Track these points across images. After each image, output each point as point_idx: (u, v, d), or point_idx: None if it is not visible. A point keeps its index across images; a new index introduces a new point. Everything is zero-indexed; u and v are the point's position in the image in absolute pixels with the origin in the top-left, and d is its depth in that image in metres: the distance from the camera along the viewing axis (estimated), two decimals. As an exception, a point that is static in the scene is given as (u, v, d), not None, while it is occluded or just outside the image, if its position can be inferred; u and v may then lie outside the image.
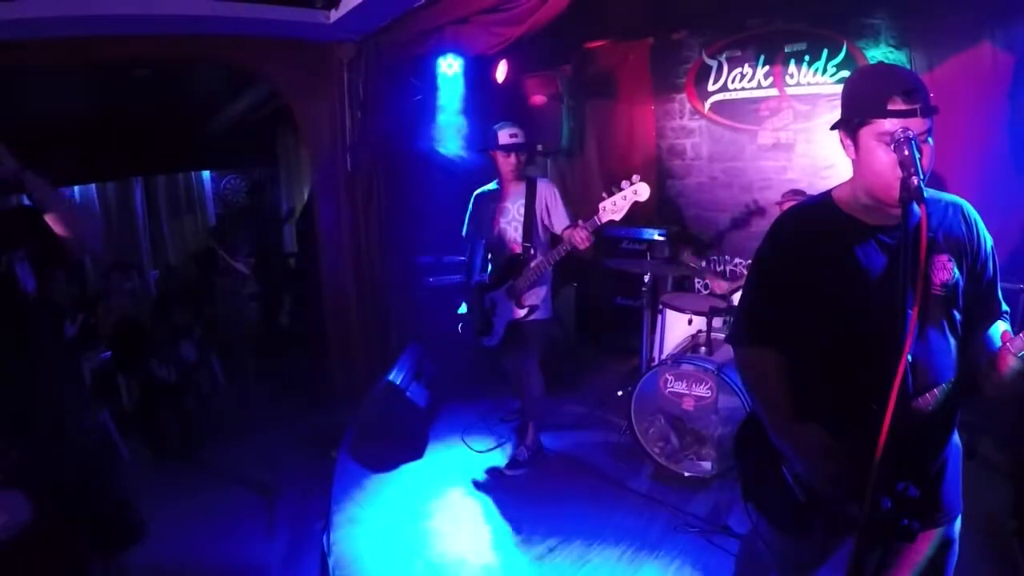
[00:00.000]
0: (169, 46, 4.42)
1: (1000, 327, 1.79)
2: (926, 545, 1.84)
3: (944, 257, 1.74)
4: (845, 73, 4.92)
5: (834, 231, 1.77)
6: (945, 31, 4.47)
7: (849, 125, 1.71)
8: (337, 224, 5.20)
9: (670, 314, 4.55)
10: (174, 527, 3.44)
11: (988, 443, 4.16)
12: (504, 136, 3.97)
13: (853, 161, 1.74)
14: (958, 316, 1.79)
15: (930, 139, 1.64)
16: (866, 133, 1.65)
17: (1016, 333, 1.53)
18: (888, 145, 1.58)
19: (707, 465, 3.88)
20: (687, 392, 3.92)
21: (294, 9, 4.40)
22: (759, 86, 5.44)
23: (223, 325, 6.32)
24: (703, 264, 4.61)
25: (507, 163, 3.99)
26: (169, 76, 5.85)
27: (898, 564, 1.89)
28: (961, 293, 1.77)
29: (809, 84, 5.14)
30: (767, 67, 5.36)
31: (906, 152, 1.52)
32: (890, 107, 1.60)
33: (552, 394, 4.47)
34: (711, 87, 5.69)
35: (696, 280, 4.82)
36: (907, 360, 1.61)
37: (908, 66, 4.72)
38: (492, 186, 4.16)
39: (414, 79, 5.27)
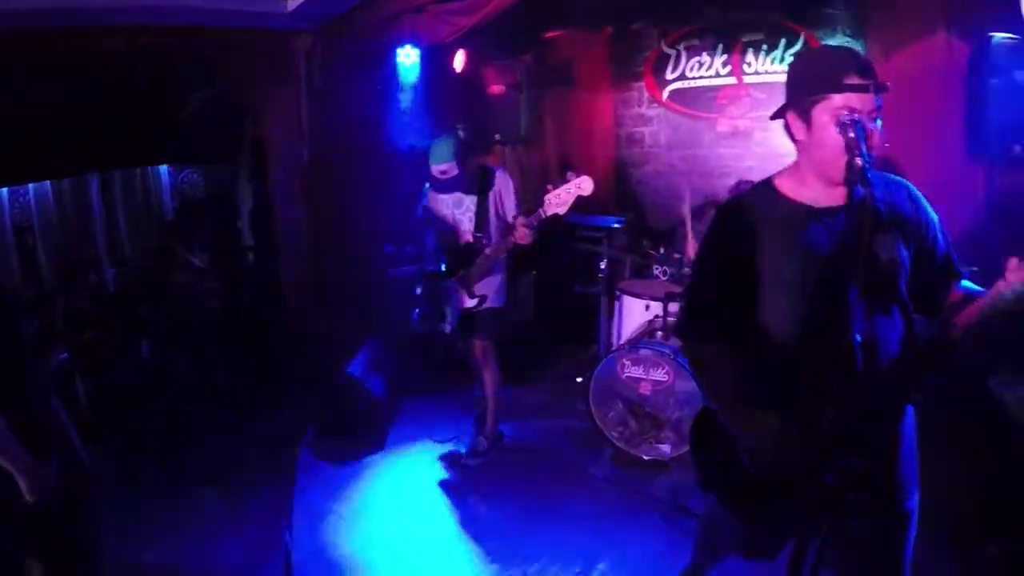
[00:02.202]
0: (124, 37, 4.35)
1: (968, 285, 1.84)
2: (883, 520, 1.88)
3: (890, 236, 1.75)
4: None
5: (777, 216, 1.78)
6: (901, 21, 4.53)
7: (802, 103, 1.71)
8: (296, 216, 5.17)
9: (628, 300, 4.58)
10: (139, 530, 3.41)
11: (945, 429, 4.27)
12: (435, 171, 3.90)
13: (801, 143, 1.76)
14: (904, 293, 1.80)
15: (878, 120, 1.66)
16: (820, 109, 1.66)
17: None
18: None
19: (666, 448, 3.91)
20: (644, 376, 3.96)
21: None
22: (717, 75, 5.48)
23: (183, 322, 6.23)
24: (661, 251, 4.62)
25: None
26: (124, 68, 5.75)
27: (855, 538, 1.91)
28: (908, 271, 1.79)
29: (767, 73, 5.20)
30: (725, 56, 5.41)
31: (851, 134, 1.53)
32: (846, 81, 1.62)
33: (511, 382, 4.47)
34: (669, 76, 5.72)
35: (654, 267, 4.84)
36: (855, 339, 1.64)
37: (864, 55, 4.82)
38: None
39: (372, 69, 5.23)
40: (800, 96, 1.71)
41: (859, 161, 1.50)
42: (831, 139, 1.62)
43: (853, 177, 1.51)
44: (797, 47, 5.08)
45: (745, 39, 5.31)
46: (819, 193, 1.75)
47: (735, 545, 2.25)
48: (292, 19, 4.61)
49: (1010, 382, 3.07)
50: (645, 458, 3.98)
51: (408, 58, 5.17)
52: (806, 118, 1.70)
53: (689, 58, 5.61)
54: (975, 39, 3.95)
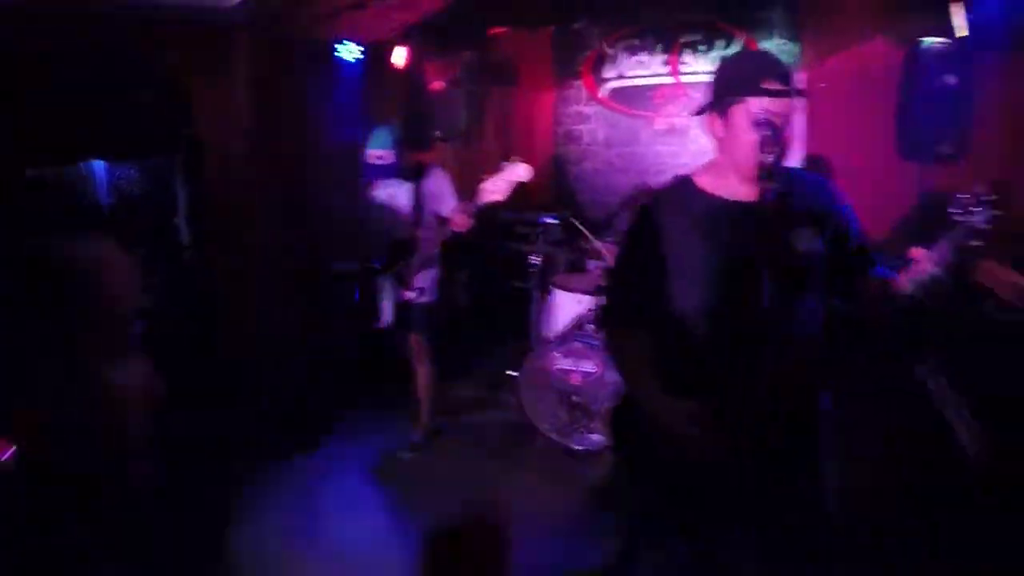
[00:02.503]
0: (60, 28, 4.26)
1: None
2: (795, 498, 1.94)
3: (805, 228, 1.84)
4: (742, 64, 5.09)
5: (696, 210, 1.85)
6: (836, 26, 4.70)
7: (722, 104, 1.79)
8: (233, 212, 5.10)
9: (560, 295, 4.62)
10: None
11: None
12: (371, 156, 3.93)
13: (720, 140, 1.84)
14: (821, 282, 1.89)
15: (794, 123, 1.75)
16: (738, 111, 1.74)
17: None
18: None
19: (597, 438, 3.97)
20: (574, 368, 4.03)
21: None
22: (655, 74, 5.60)
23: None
24: (595, 245, 4.67)
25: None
26: (59, 60, 5.63)
27: (768, 516, 1.98)
28: (823, 261, 1.87)
29: (704, 73, 5.31)
30: (664, 56, 5.53)
31: (766, 133, 1.63)
32: (764, 86, 1.70)
33: (446, 377, 4.49)
34: (608, 74, 5.81)
35: (589, 262, 4.91)
36: (772, 326, 1.77)
37: (800, 58, 4.98)
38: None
39: (312, 65, 5.20)
40: (721, 97, 1.80)
41: (770, 159, 1.59)
42: (747, 138, 1.71)
43: (763, 174, 1.60)
44: (734, 48, 5.20)
45: (683, 40, 5.44)
46: (736, 188, 1.82)
47: (662, 530, 2.30)
48: (231, 14, 4.57)
49: (932, 370, 3.19)
50: (577, 448, 4.04)
51: (350, 54, 5.15)
52: (725, 118, 1.79)
53: (628, 57, 5.71)
54: (908, 44, 4.05)
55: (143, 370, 2.02)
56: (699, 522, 2.05)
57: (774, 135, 1.63)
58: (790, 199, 1.83)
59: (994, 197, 1.58)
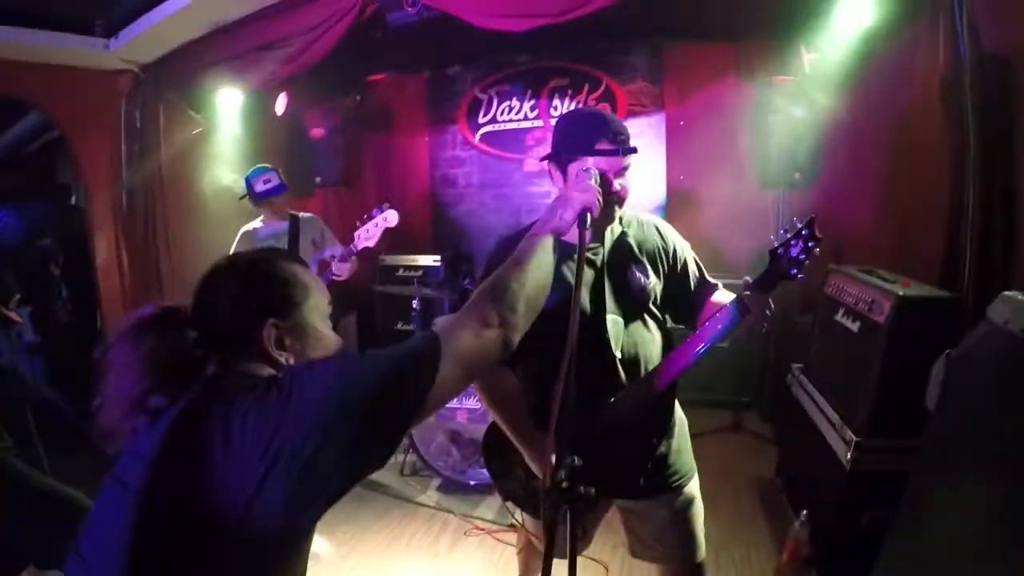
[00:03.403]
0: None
1: (722, 292, 2.12)
2: (665, 505, 2.14)
3: (642, 266, 2.05)
4: (605, 105, 5.47)
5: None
6: (694, 67, 5.08)
7: (559, 160, 1.94)
8: (116, 262, 5.03)
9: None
10: None
11: (753, 417, 4.90)
12: (259, 184, 4.06)
13: (560, 189, 1.95)
14: (658, 313, 2.10)
15: (627, 174, 1.91)
16: (574, 167, 1.88)
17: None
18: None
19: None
20: (459, 406, 4.14)
21: (72, 35, 4.28)
22: (526, 117, 5.89)
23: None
24: (469, 285, 4.87)
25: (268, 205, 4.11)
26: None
27: (643, 521, 2.20)
28: (659, 294, 2.08)
29: (572, 116, 5.60)
30: (533, 100, 5.83)
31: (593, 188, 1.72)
32: (597, 147, 1.85)
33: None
34: (481, 119, 6.07)
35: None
36: (616, 355, 1.95)
37: (660, 97, 5.35)
38: (257, 223, 4.21)
39: (194, 111, 5.18)
40: (559, 153, 1.94)
41: (588, 214, 1.67)
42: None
43: (582, 223, 1.65)
44: (599, 91, 5.56)
45: (552, 84, 5.74)
46: (574, 232, 1.89)
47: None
48: (113, 60, 4.55)
49: (799, 376, 3.56)
50: (471, 483, 4.16)
51: (231, 100, 5.11)
52: (563, 171, 1.94)
53: (500, 102, 5.98)
54: (759, 82, 4.44)
55: None
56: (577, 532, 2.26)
57: (596, 191, 1.71)
58: (630, 239, 2.05)
59: (808, 231, 1.78)
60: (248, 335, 1.30)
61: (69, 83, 4.66)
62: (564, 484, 1.53)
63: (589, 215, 1.67)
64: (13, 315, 6.12)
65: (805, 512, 2.98)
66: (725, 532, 3.50)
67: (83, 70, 4.67)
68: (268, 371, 1.29)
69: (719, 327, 1.87)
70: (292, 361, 1.33)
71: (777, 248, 1.81)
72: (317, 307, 1.41)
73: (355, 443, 1.13)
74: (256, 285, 1.36)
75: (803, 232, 1.79)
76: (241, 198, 4.25)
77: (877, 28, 3.52)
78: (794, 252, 1.79)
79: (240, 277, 1.36)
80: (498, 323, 1.34)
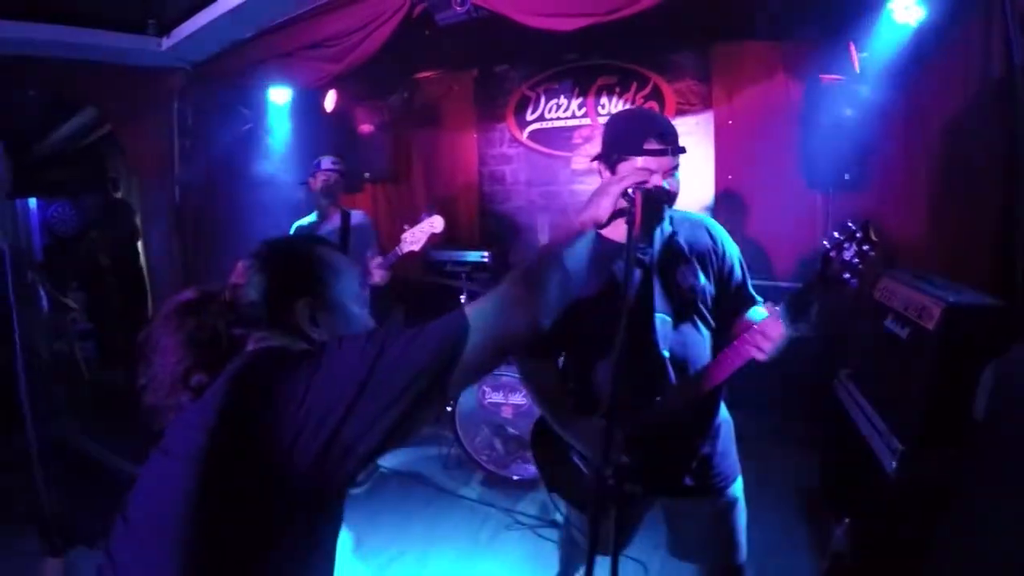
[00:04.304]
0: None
1: (759, 310, 2.13)
2: (709, 505, 2.16)
3: (692, 266, 2.07)
4: (653, 103, 5.45)
5: (591, 249, 1.89)
6: (742, 66, 4.99)
7: (609, 159, 1.97)
8: (168, 253, 5.17)
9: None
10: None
11: (797, 422, 4.72)
12: (327, 162, 4.22)
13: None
14: (708, 313, 2.11)
15: (677, 173, 1.93)
16: (623, 167, 1.91)
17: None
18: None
19: (533, 467, 4.08)
20: (505, 401, 4.18)
21: (126, 35, 4.43)
22: (573, 115, 5.88)
23: (50, 369, 5.80)
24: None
25: (322, 185, 4.23)
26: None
27: (686, 520, 2.23)
28: (709, 295, 2.09)
29: (619, 114, 5.58)
30: (581, 98, 5.81)
31: (632, 200, 1.69)
32: (645, 147, 1.87)
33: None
34: (529, 116, 6.08)
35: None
36: (664, 354, 1.98)
37: (708, 96, 5.28)
38: (311, 218, 4.31)
39: (244, 108, 5.33)
40: (609, 152, 1.97)
41: (635, 230, 1.67)
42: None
43: (629, 239, 1.66)
44: (648, 90, 5.53)
45: (600, 82, 5.73)
46: (622, 231, 1.89)
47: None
48: (166, 58, 4.69)
49: (845, 382, 3.49)
50: (514, 478, 4.21)
51: (281, 97, 5.28)
52: (613, 171, 1.97)
53: (548, 100, 5.98)
54: (808, 81, 4.36)
55: None
56: (622, 528, 2.21)
57: (642, 199, 1.70)
58: (680, 239, 2.07)
59: (862, 234, 1.66)
60: (283, 313, 1.39)
61: (123, 81, 4.82)
62: (611, 482, 1.55)
63: (634, 232, 1.66)
64: (70, 301, 6.38)
65: (847, 520, 2.94)
66: (765, 537, 3.46)
67: (136, 68, 4.81)
68: (302, 346, 1.37)
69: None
70: (325, 337, 1.40)
71: (830, 250, 1.70)
72: (349, 288, 1.50)
73: (383, 410, 1.17)
74: (291, 266, 1.47)
75: (857, 235, 1.66)
76: (303, 183, 4.41)
77: (928, 27, 3.43)
78: (847, 255, 1.67)
79: (277, 259, 1.47)
80: (528, 303, 1.37)
